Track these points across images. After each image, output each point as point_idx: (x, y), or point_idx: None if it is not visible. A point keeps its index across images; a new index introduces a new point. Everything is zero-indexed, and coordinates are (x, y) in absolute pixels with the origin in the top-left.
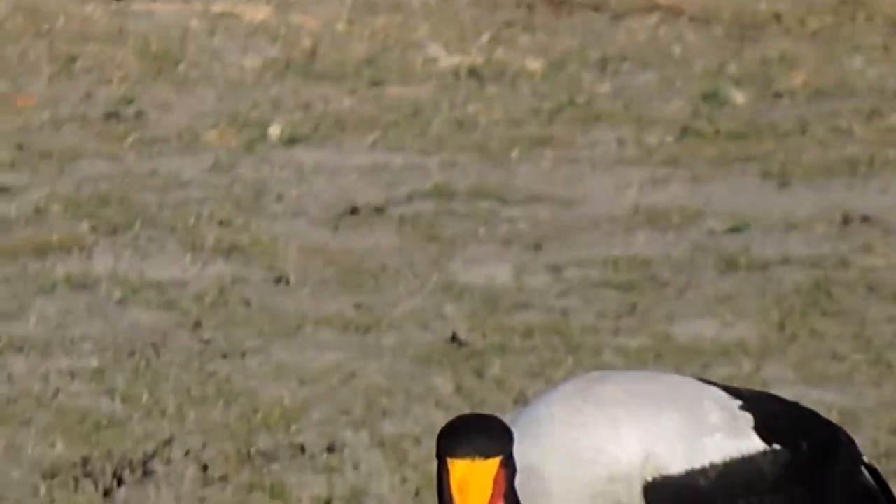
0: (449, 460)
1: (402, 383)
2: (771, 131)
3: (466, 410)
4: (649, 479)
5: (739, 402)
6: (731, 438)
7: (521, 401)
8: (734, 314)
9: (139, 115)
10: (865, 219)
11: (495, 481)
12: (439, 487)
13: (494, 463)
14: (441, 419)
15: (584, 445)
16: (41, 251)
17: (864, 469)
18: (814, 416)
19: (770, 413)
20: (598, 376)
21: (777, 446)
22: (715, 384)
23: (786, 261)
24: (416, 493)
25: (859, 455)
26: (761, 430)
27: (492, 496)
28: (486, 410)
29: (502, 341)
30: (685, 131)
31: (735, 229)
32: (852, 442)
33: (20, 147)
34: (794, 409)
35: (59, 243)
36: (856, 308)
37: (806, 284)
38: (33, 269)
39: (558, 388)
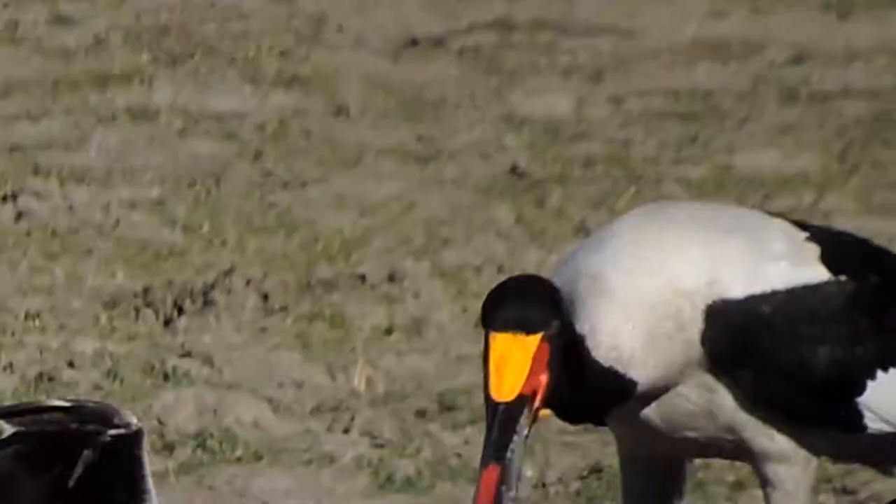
0: (490, 333)
1: (463, 213)
2: None
3: (527, 241)
4: (711, 301)
5: (805, 234)
6: (796, 267)
7: (582, 231)
8: (795, 145)
9: None
10: None
11: (535, 359)
12: (484, 358)
13: (536, 339)
14: (502, 249)
15: (650, 257)
16: (101, 82)
17: None
18: (883, 251)
19: (837, 245)
20: (666, 204)
21: (843, 277)
22: (782, 216)
23: (846, 92)
24: (476, 324)
25: None
26: (827, 260)
27: (530, 374)
28: (546, 240)
29: (563, 172)
30: None
31: (796, 60)
32: None
33: None
34: (862, 242)
35: (120, 74)
36: None
37: (867, 115)
38: (94, 99)
39: (626, 216)
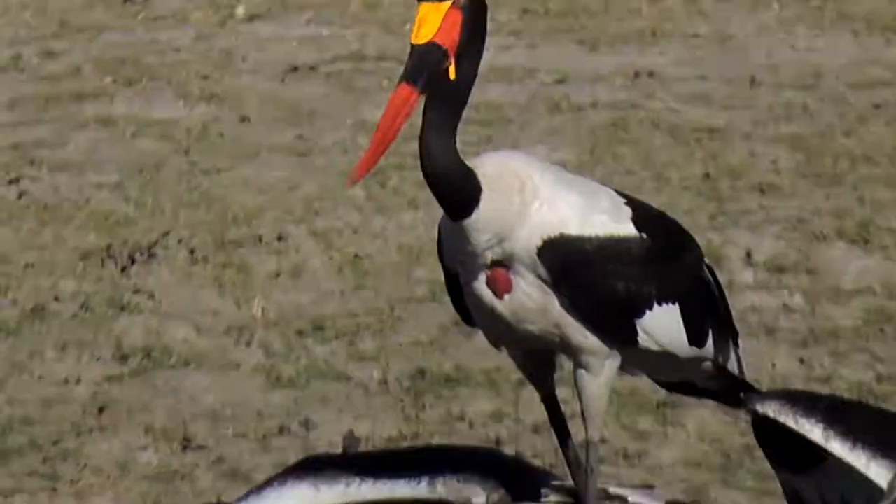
0: (418, 4)
1: (330, 192)
2: (584, 11)
3: (373, 212)
4: (549, 234)
5: (624, 201)
6: (613, 221)
7: (413, 204)
8: (559, 142)
9: (146, 0)
10: (650, 74)
11: (447, 21)
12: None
13: (446, 5)
14: (356, 218)
15: (522, 188)
16: (77, 98)
17: (704, 265)
18: (675, 223)
19: (643, 213)
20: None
21: (643, 234)
22: (614, 189)
23: (594, 104)
24: (339, 270)
25: (702, 255)
26: (636, 221)
27: (440, 31)
28: (387, 211)
29: (399, 162)
30: (524, 11)
31: (560, 81)
32: (698, 246)
33: (62, 23)
34: (661, 214)
35: (91, 92)
36: (643, 138)
37: (608, 121)
38: (71, 110)
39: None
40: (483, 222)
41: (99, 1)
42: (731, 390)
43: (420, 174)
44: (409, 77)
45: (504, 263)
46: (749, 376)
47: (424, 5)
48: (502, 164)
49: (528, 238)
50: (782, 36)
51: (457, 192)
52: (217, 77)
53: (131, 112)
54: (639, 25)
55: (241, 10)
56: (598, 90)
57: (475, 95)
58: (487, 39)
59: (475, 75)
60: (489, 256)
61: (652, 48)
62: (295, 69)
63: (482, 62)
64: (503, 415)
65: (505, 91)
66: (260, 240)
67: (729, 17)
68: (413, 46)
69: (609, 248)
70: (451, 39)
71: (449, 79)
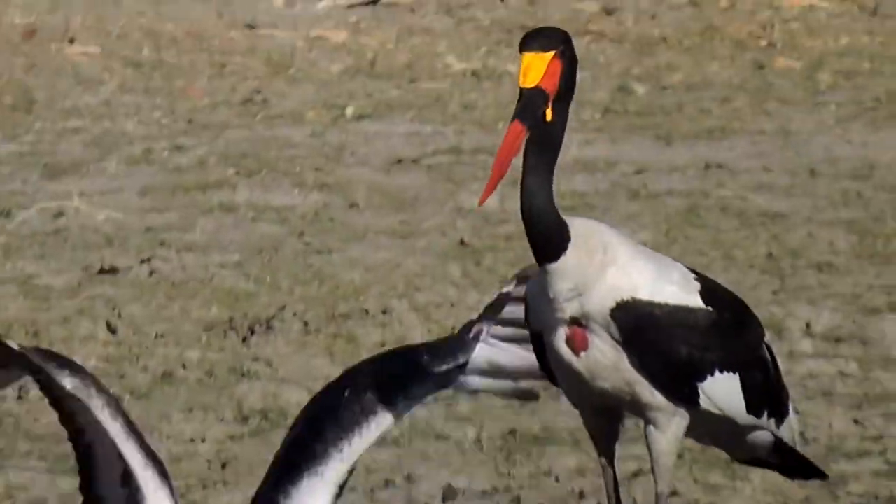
0: (521, 55)
1: (430, 270)
2: (660, 110)
3: (469, 287)
4: (623, 297)
5: (693, 276)
6: (682, 292)
7: (504, 280)
8: (637, 226)
9: (265, 101)
10: (720, 165)
11: (549, 69)
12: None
13: (549, 55)
14: (454, 293)
15: (605, 254)
16: (203, 187)
17: (763, 343)
18: (740, 301)
19: (710, 288)
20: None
21: (709, 307)
22: (685, 265)
23: (670, 192)
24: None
25: (763, 333)
26: (703, 295)
27: (544, 78)
28: (482, 288)
29: (493, 244)
30: (606, 111)
31: (638, 172)
32: (760, 325)
33: (190, 121)
34: (727, 291)
35: (215, 182)
36: (713, 222)
37: (682, 207)
38: (197, 198)
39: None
40: (567, 271)
41: (222, 102)
42: (789, 463)
43: (510, 254)
44: (520, 115)
45: (581, 322)
46: (808, 435)
47: (529, 55)
48: (591, 226)
49: (603, 297)
50: (839, 132)
51: (549, 235)
52: (329, 168)
53: (252, 199)
54: (710, 124)
55: (350, 111)
56: (673, 180)
57: (562, 183)
58: (573, 135)
59: (566, 120)
60: (568, 311)
61: (721, 143)
62: (399, 161)
63: (570, 155)
64: (586, 470)
65: (588, 181)
66: (366, 313)
67: (790, 115)
68: (522, 90)
69: (676, 315)
70: (552, 84)
71: (546, 121)
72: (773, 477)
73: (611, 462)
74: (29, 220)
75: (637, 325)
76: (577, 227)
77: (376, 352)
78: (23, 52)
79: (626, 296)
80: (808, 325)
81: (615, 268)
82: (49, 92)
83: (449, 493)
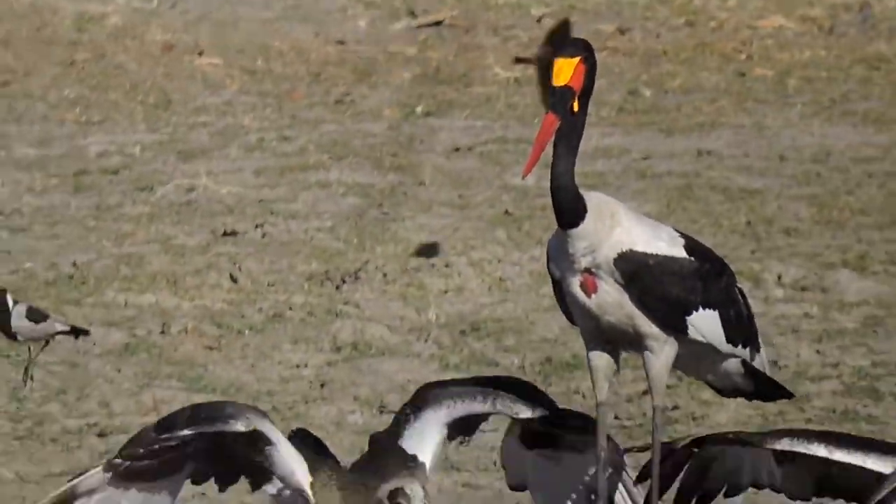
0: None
1: (482, 234)
2: (662, 109)
3: (512, 248)
4: (623, 250)
5: (680, 236)
6: (670, 247)
7: (542, 241)
8: (644, 200)
9: (352, 101)
10: (709, 153)
11: (576, 71)
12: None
13: (576, 60)
14: (500, 252)
15: (612, 219)
16: (304, 169)
17: (736, 287)
18: (715, 255)
19: (693, 245)
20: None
21: (692, 258)
22: (674, 229)
23: (670, 173)
24: (489, 288)
25: (734, 279)
26: (687, 249)
27: (572, 78)
28: (521, 249)
29: (531, 213)
30: (620, 109)
31: (645, 158)
32: (732, 273)
33: (293, 117)
34: (707, 248)
35: (312, 165)
36: (704, 197)
37: (680, 185)
38: (300, 177)
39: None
40: (583, 234)
41: (318, 102)
42: (761, 388)
43: (544, 221)
44: (553, 108)
45: (592, 271)
46: (780, 363)
47: (560, 60)
48: (602, 199)
49: (609, 252)
50: (803, 126)
51: (571, 206)
52: (402, 154)
53: (341, 178)
54: (701, 119)
55: (419, 109)
56: (672, 164)
57: (585, 165)
58: (593, 129)
59: (586, 113)
60: (583, 263)
61: (710, 135)
62: (457, 149)
63: (591, 145)
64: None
65: (606, 164)
66: (433, 267)
67: (765, 113)
68: (553, 87)
69: (665, 263)
70: (578, 83)
71: (573, 113)
72: None
73: (605, 401)
74: (167, 193)
75: (635, 270)
76: (592, 199)
77: (441, 297)
78: (162, 62)
79: (626, 248)
80: (779, 277)
81: (619, 229)
82: (182, 94)
83: None
